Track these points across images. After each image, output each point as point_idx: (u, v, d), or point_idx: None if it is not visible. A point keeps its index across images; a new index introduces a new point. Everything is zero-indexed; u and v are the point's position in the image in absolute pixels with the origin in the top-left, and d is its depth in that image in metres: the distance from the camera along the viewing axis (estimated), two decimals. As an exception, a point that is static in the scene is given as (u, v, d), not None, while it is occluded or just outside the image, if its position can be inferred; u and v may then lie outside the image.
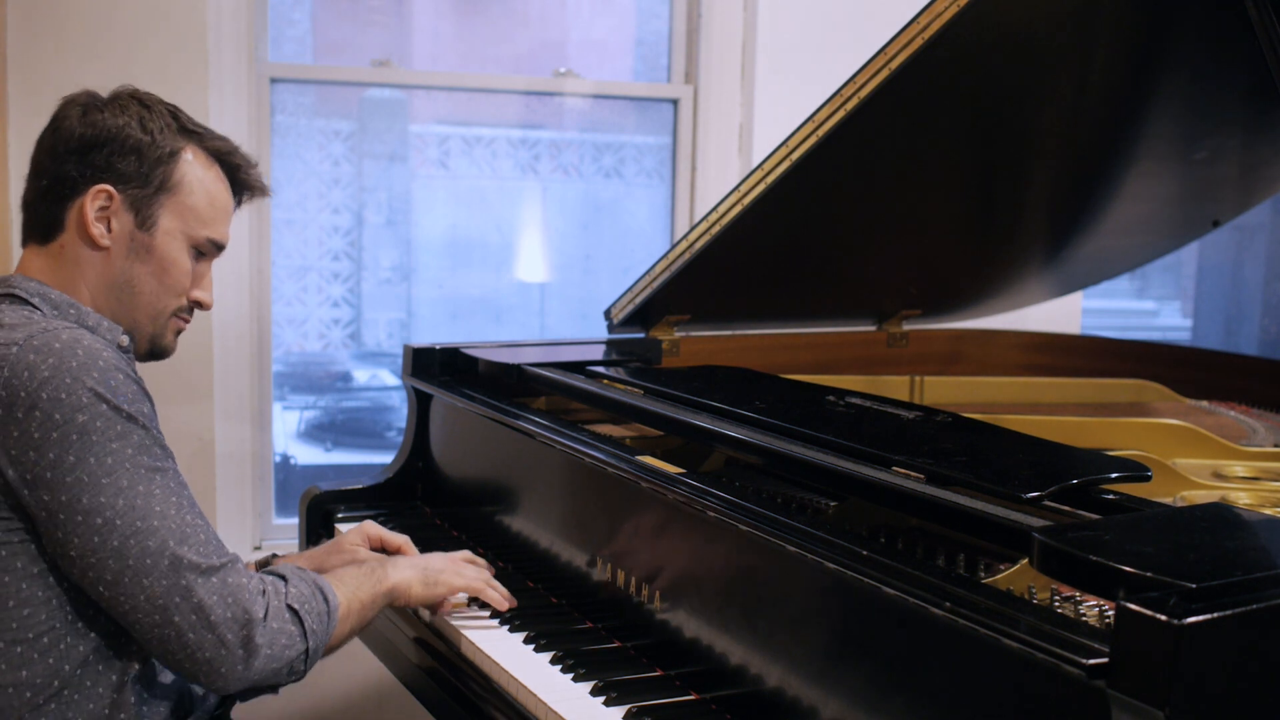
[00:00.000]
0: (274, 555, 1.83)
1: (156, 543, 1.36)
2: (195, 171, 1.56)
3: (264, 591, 1.44)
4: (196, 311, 1.63)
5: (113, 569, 1.35)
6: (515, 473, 2.03)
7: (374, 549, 1.83)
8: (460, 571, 1.74)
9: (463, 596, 1.76)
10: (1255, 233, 4.72)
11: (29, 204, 1.56)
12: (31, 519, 1.37)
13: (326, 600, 1.51)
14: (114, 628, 1.44)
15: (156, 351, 1.61)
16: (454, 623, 1.74)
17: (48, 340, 1.37)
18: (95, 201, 1.50)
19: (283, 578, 1.50)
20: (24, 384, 1.34)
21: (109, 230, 1.52)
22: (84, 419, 1.35)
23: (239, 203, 1.66)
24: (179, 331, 1.63)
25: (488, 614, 1.76)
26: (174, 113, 1.58)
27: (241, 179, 1.64)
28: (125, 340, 1.55)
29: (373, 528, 1.87)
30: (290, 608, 1.45)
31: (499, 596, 1.75)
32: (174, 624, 1.37)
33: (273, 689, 1.50)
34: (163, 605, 1.36)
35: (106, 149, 1.51)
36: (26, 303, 1.48)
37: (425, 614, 1.81)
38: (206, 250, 1.60)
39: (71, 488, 1.34)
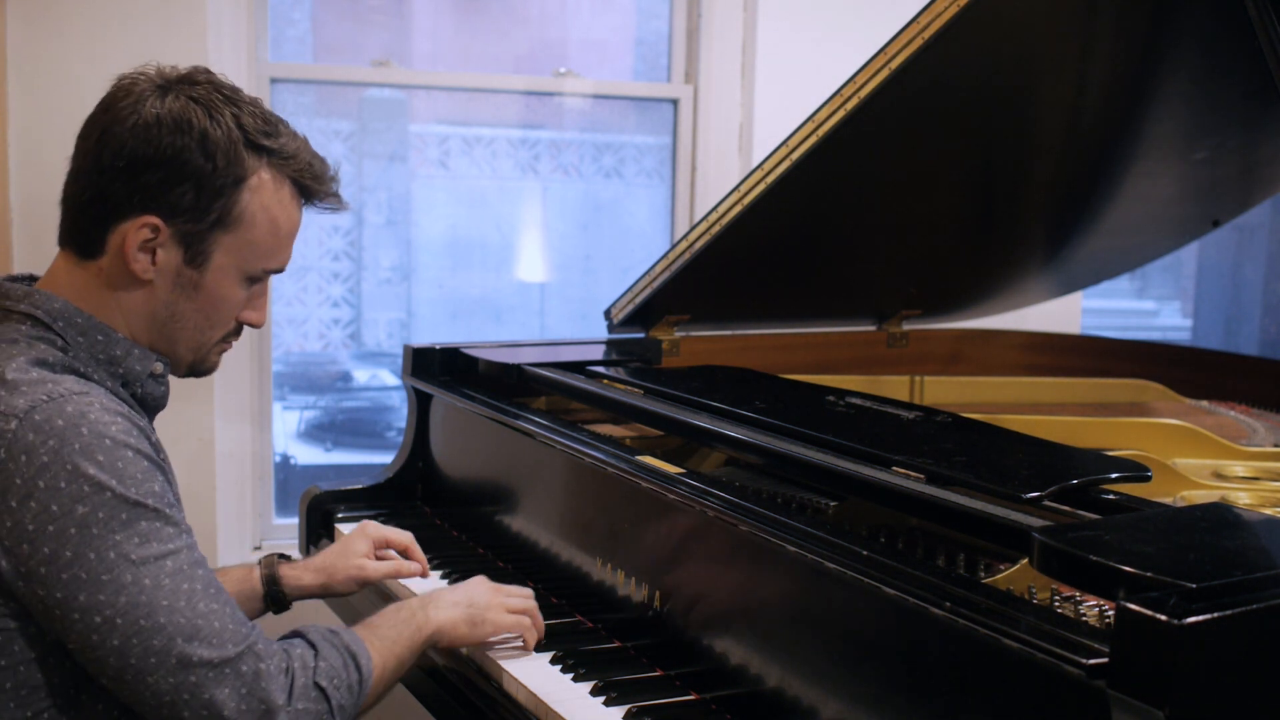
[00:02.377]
0: (283, 556, 1.78)
1: (161, 641, 1.26)
2: (261, 199, 1.38)
3: (288, 669, 1.33)
4: None
5: (114, 666, 1.26)
6: (515, 473, 2.03)
7: (378, 549, 1.79)
8: (507, 606, 1.61)
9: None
10: (1255, 233, 4.72)
11: (67, 208, 1.38)
12: (28, 608, 1.28)
13: (359, 668, 1.40)
14: (117, 709, 1.35)
15: (198, 372, 1.51)
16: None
17: (50, 415, 1.25)
18: (140, 234, 1.34)
19: (313, 645, 1.39)
20: (20, 469, 1.23)
21: (154, 263, 1.36)
22: (83, 510, 1.24)
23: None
24: (224, 351, 1.52)
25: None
26: (240, 121, 1.36)
27: (317, 199, 1.47)
28: (159, 368, 1.43)
29: (374, 528, 1.81)
30: (318, 684, 1.35)
31: (539, 637, 1.63)
32: (183, 719, 1.28)
33: None
34: (170, 702, 1.27)
35: (160, 173, 1.32)
36: (49, 328, 1.34)
37: (463, 650, 1.69)
38: (262, 278, 1.45)
39: (68, 585, 1.24)
